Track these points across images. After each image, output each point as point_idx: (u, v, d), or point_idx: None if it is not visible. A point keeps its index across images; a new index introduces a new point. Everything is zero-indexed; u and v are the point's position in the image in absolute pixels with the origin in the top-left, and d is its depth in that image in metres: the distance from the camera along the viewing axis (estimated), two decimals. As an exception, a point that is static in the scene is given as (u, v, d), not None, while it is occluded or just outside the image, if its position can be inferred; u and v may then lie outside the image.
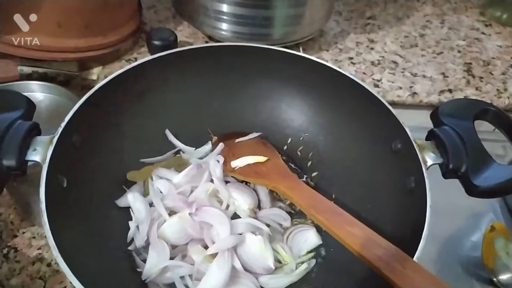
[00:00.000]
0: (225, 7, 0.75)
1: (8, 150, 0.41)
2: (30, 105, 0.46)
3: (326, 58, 0.86)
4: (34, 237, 0.56)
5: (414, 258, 0.39)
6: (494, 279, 0.54)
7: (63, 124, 0.45)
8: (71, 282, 0.36)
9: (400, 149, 0.50)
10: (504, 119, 0.48)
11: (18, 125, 0.43)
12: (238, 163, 0.55)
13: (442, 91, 0.80)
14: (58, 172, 0.44)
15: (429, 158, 0.47)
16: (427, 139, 0.49)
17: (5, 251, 0.54)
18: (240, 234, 0.50)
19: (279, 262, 0.51)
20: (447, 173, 0.46)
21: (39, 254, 0.54)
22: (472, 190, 0.44)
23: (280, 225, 0.54)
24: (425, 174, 0.45)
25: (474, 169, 0.45)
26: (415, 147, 0.47)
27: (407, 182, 0.48)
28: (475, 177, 0.44)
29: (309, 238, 0.53)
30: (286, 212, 0.55)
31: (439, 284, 0.36)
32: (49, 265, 0.54)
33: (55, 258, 0.37)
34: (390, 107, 0.52)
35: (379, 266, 0.38)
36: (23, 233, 0.56)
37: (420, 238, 0.40)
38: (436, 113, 0.50)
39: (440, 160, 0.46)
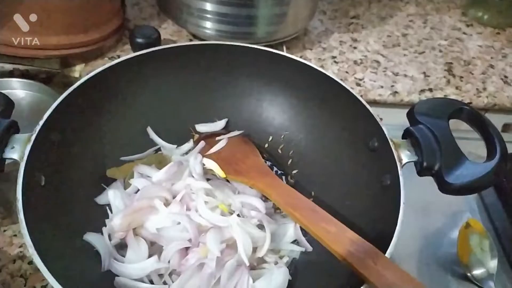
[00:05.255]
0: (208, 6, 0.75)
1: (-15, 149, 0.41)
2: (8, 103, 0.46)
3: (309, 57, 0.86)
4: (15, 235, 0.56)
5: (387, 254, 0.40)
6: (469, 274, 0.55)
7: (41, 122, 0.45)
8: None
9: (377, 147, 0.51)
10: (477, 118, 0.49)
11: (-5, 123, 0.43)
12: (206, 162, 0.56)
13: (422, 90, 0.81)
14: (36, 170, 0.44)
15: (404, 156, 0.48)
16: (403, 137, 0.50)
17: (-14, 250, 0.54)
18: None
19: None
20: (421, 171, 0.47)
21: (20, 252, 0.54)
22: (445, 187, 0.45)
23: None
24: (399, 172, 0.46)
25: (447, 167, 0.46)
26: (391, 145, 0.48)
27: (383, 179, 0.49)
28: (448, 174, 0.45)
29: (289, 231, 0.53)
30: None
31: (409, 279, 0.37)
32: (30, 263, 0.53)
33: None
34: (367, 106, 0.53)
35: (352, 262, 0.39)
36: (4, 231, 0.56)
37: (393, 234, 0.41)
38: (412, 112, 0.51)
39: (415, 158, 0.48)
